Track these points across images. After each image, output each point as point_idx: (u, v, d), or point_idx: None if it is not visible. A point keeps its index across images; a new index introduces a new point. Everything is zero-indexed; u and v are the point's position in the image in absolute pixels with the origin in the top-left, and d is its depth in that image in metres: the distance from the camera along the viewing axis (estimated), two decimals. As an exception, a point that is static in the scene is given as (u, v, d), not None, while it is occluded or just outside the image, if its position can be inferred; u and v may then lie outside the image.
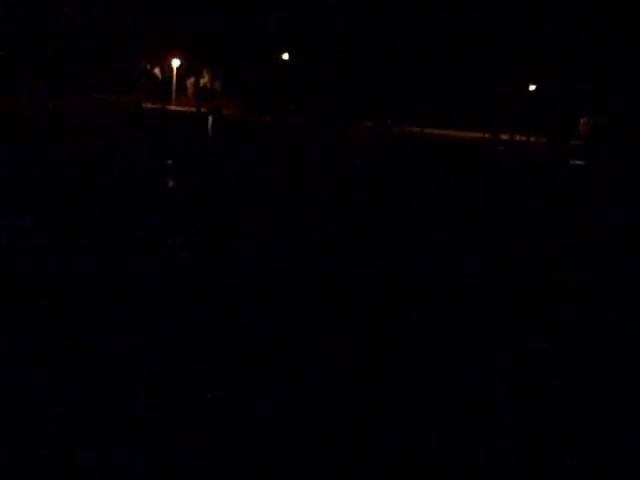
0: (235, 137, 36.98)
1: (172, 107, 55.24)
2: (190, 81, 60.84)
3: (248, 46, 55.95)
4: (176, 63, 57.80)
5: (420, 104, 56.49)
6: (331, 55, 55.90)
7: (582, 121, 58.45)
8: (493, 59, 57.06)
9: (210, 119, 46.43)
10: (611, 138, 51.86)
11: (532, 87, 62.26)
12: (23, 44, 48.51)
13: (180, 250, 10.03)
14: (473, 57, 56.96)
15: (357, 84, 56.73)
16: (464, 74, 58.05)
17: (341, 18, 55.13)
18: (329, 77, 56.60)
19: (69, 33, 49.76)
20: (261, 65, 57.71)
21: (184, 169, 20.24)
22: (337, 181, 20.83)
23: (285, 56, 59.44)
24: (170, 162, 21.43)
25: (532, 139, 58.23)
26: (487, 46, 56.04)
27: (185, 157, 23.18)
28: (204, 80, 61.38)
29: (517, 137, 59.58)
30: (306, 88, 57.00)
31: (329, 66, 56.45)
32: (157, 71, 59.52)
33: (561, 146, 51.59)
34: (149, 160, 21.02)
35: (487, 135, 58.28)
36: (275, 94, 56.32)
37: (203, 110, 52.66)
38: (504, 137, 59.40)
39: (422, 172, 27.46)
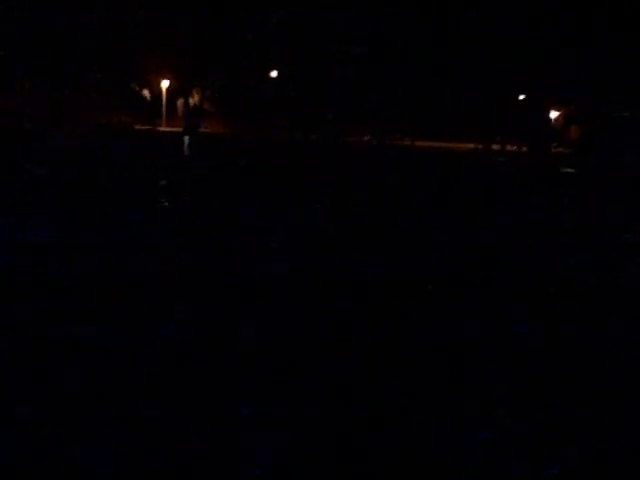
0: (210, 156, 37.08)
1: (162, 128, 55.32)
2: (180, 101, 60.94)
3: (239, 63, 56.18)
4: (165, 84, 57.94)
5: (410, 117, 56.78)
6: (320, 68, 56.21)
7: (573, 128, 58.69)
8: (483, 70, 57.41)
9: (187, 138, 46.30)
10: (601, 145, 52.10)
11: (521, 97, 62.63)
12: (23, 44, 48.50)
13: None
14: (462, 68, 57.30)
15: (349, 98, 56.97)
16: (453, 85, 58.36)
17: (329, 33, 55.48)
18: (319, 91, 56.86)
19: (69, 34, 49.78)
20: (253, 82, 57.92)
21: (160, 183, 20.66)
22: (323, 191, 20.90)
23: (274, 73, 59.63)
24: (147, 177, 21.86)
25: (523, 149, 58.52)
26: (476, 57, 56.38)
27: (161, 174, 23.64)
28: (194, 100, 61.50)
29: (508, 147, 59.84)
30: (297, 104, 57.25)
31: (319, 80, 56.73)
32: (146, 92, 59.64)
33: (546, 154, 51.90)
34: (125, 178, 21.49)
35: (480, 146, 58.50)
36: (267, 111, 56.52)
37: (185, 128, 52.75)
38: (495, 147, 59.67)
39: (431, 184, 27.57)
